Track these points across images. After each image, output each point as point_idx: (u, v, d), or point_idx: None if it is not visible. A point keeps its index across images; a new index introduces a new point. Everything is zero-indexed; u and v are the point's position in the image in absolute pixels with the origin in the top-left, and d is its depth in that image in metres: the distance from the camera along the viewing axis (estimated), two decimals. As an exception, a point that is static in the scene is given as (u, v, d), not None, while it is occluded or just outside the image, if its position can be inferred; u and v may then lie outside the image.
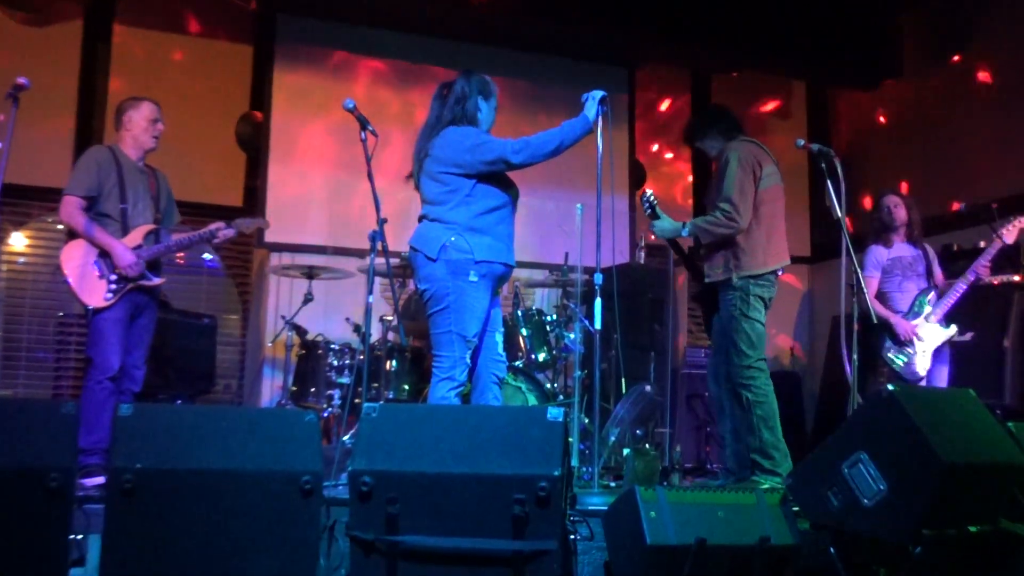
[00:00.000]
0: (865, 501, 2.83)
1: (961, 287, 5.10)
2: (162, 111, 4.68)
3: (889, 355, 5.16)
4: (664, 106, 8.26)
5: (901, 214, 5.35)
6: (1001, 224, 5.05)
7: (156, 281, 4.56)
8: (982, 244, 5.23)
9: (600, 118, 3.92)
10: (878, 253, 5.35)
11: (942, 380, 5.21)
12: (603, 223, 4.01)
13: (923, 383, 5.13)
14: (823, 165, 4.28)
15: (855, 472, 2.87)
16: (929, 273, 5.29)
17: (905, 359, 5.10)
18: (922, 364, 5.09)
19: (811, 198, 8.33)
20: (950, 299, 5.12)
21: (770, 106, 8.46)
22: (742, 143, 4.48)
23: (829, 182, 4.22)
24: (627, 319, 4.87)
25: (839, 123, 8.37)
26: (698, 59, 7.74)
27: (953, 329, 5.16)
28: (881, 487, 2.81)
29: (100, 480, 3.95)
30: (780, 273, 4.45)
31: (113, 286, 4.38)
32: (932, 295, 5.19)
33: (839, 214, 4.17)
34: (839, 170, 4.21)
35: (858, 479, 2.85)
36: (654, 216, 4.56)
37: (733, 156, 4.36)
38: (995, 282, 5.19)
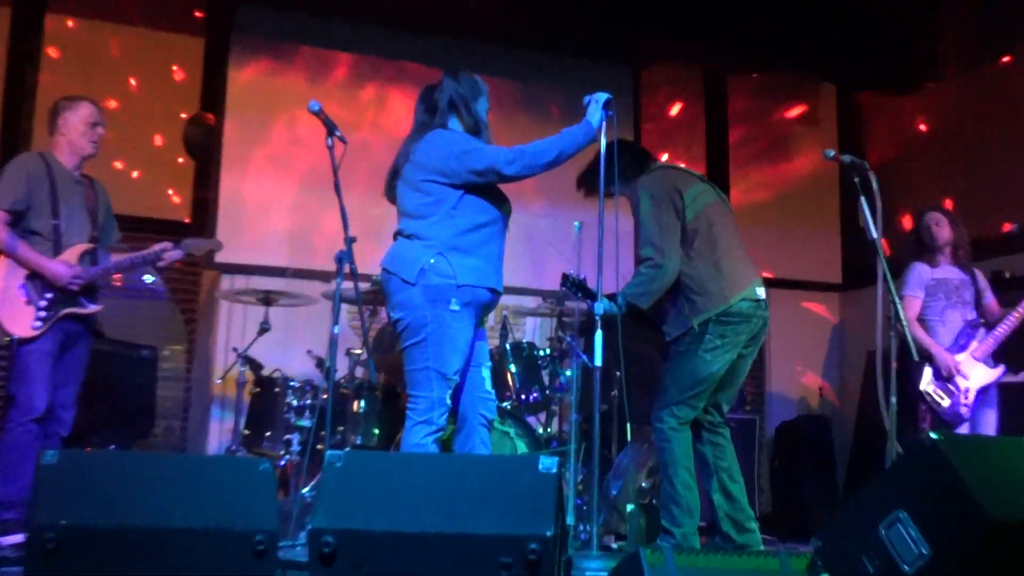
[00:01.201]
0: (905, 567, 2.81)
1: (1012, 320, 5.12)
2: (103, 113, 4.69)
3: (929, 389, 5.16)
4: (674, 110, 8.31)
5: (945, 233, 5.38)
6: None
7: (92, 308, 4.54)
8: None
9: (604, 124, 3.93)
10: (922, 271, 5.37)
11: (990, 426, 5.22)
12: (605, 243, 4.01)
13: (966, 427, 5.14)
14: (856, 179, 4.29)
15: (893, 534, 2.85)
16: (978, 302, 5.31)
17: (947, 397, 5.11)
18: (966, 405, 5.10)
19: (842, 217, 8.38)
20: (1000, 334, 5.14)
21: (795, 111, 8.53)
22: (650, 175, 4.38)
23: (863, 198, 4.23)
24: (632, 354, 4.86)
25: (874, 131, 8.43)
26: (712, 58, 7.80)
27: (1002, 369, 5.17)
28: (923, 551, 2.79)
29: (19, 538, 3.91)
30: (757, 298, 4.25)
31: (43, 313, 4.36)
32: (981, 329, 5.21)
33: (874, 235, 4.17)
34: (874, 185, 4.22)
35: (897, 542, 2.84)
36: (588, 296, 4.22)
37: (643, 194, 4.27)
38: None
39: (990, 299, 5.37)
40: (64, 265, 4.39)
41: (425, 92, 4.05)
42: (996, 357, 5.20)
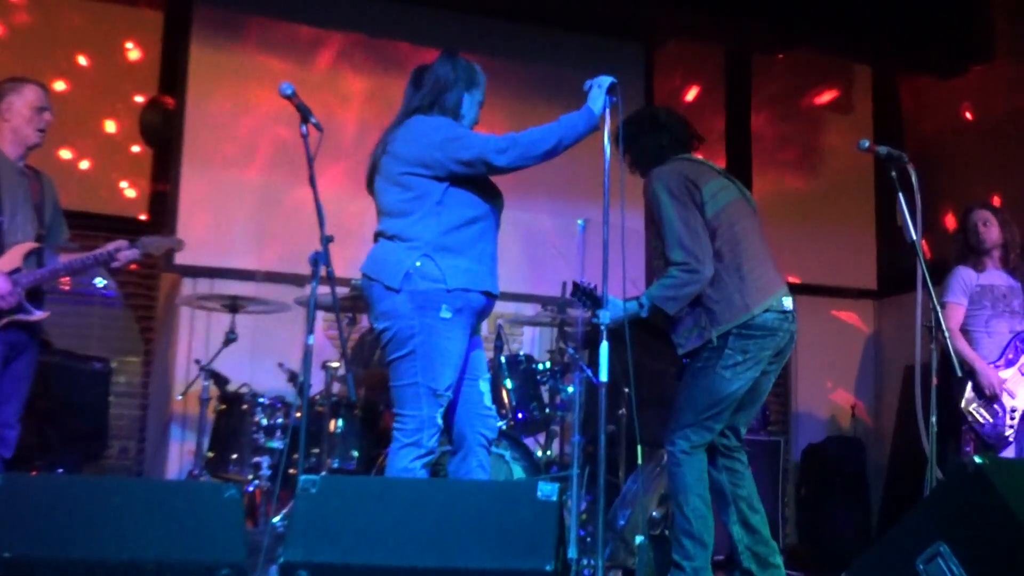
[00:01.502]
0: (946, 606, 2.83)
1: None
2: (50, 96, 4.68)
3: (971, 408, 5.19)
4: (691, 94, 8.34)
5: (993, 234, 5.41)
6: None
7: (38, 315, 4.54)
8: None
9: (608, 111, 3.94)
10: (967, 275, 5.40)
11: None
12: (611, 244, 4.02)
13: (1012, 451, 5.17)
14: (893, 173, 4.31)
15: (933, 569, 2.87)
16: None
17: (990, 417, 5.14)
18: (1011, 427, 5.13)
19: (878, 215, 8.40)
20: None
21: (826, 97, 8.56)
22: (665, 165, 4.36)
23: (901, 195, 4.25)
24: (642, 369, 4.88)
25: (914, 119, 8.46)
26: (734, 36, 7.81)
27: None
28: (966, 588, 2.81)
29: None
30: (783, 309, 4.26)
31: None
32: None
33: (914, 236, 4.19)
34: (914, 180, 4.24)
35: (937, 578, 2.86)
36: (597, 306, 4.18)
37: (659, 187, 4.26)
38: None
39: None
40: (2, 279, 4.37)
41: (416, 74, 4.06)
42: None
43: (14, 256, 4.48)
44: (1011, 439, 5.14)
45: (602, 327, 3.95)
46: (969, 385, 5.20)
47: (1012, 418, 5.13)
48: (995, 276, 5.40)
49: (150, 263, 6.66)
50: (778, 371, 4.37)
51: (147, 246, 4.80)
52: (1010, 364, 5.21)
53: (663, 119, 4.47)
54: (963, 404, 5.19)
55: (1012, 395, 5.15)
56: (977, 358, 5.21)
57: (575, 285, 4.41)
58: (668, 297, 4.18)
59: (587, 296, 4.32)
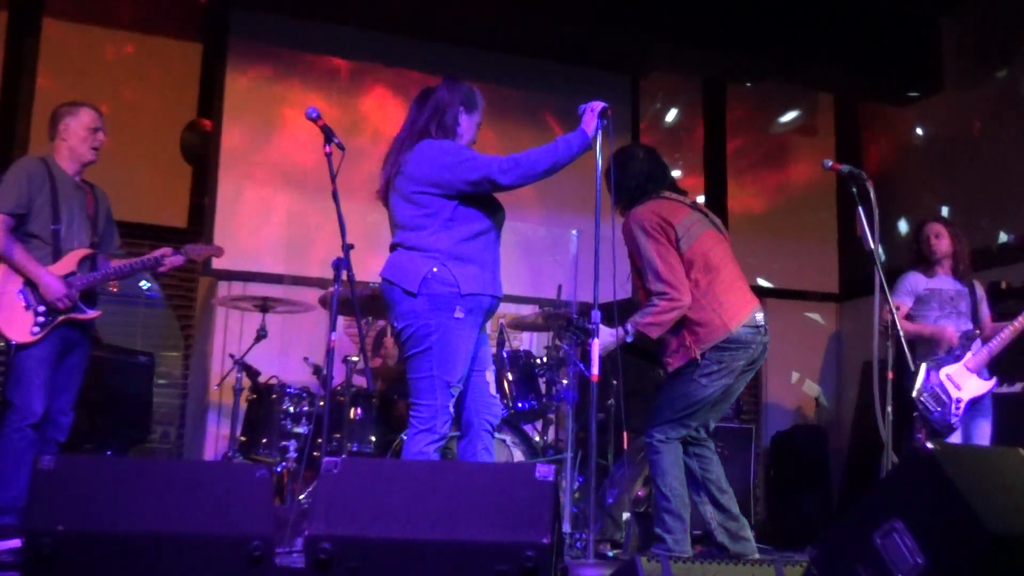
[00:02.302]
0: (900, 577, 2.82)
1: (1008, 333, 5.14)
2: (103, 118, 4.70)
3: (922, 398, 5.18)
4: (672, 119, 8.33)
5: (943, 245, 5.40)
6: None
7: (91, 314, 4.54)
8: None
9: (600, 133, 3.94)
10: (914, 280, 5.40)
11: (984, 436, 5.25)
12: (602, 252, 4.02)
13: (958, 437, 5.17)
14: (854, 189, 4.31)
15: (889, 543, 2.86)
16: (974, 314, 5.33)
17: (938, 406, 5.13)
18: (956, 415, 5.12)
19: (840, 227, 8.40)
20: (994, 346, 5.16)
21: (793, 122, 8.55)
22: (641, 207, 4.31)
23: (861, 208, 4.24)
24: (629, 363, 4.87)
25: (872, 142, 8.46)
26: (710, 67, 7.82)
27: (994, 380, 5.20)
28: (919, 561, 2.80)
29: (15, 544, 3.90)
30: (756, 324, 4.22)
31: (41, 319, 4.36)
32: (976, 340, 5.22)
33: (872, 245, 4.19)
34: (872, 195, 4.23)
35: (892, 551, 2.84)
36: (588, 335, 4.14)
37: (636, 229, 4.23)
38: None
39: (985, 313, 5.39)
40: (58, 282, 4.38)
41: (421, 94, 4.05)
42: (991, 369, 5.22)
43: (70, 261, 4.50)
44: (956, 425, 5.13)
45: (590, 346, 3.94)
46: (920, 376, 5.19)
47: (957, 408, 5.12)
48: (944, 281, 5.39)
49: (189, 268, 6.66)
50: (749, 377, 4.35)
51: (190, 253, 4.83)
52: (956, 359, 5.20)
53: (640, 158, 4.42)
54: (914, 394, 5.18)
55: (958, 387, 5.14)
56: (925, 327, 5.23)
57: (569, 321, 4.42)
58: (650, 323, 4.16)
59: (580, 330, 4.32)
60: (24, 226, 4.44)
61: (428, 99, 3.99)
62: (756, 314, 4.25)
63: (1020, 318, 5.13)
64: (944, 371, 5.19)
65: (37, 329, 4.35)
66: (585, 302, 4.46)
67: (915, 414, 5.15)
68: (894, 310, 4.27)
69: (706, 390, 4.16)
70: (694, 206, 4.44)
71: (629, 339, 4.19)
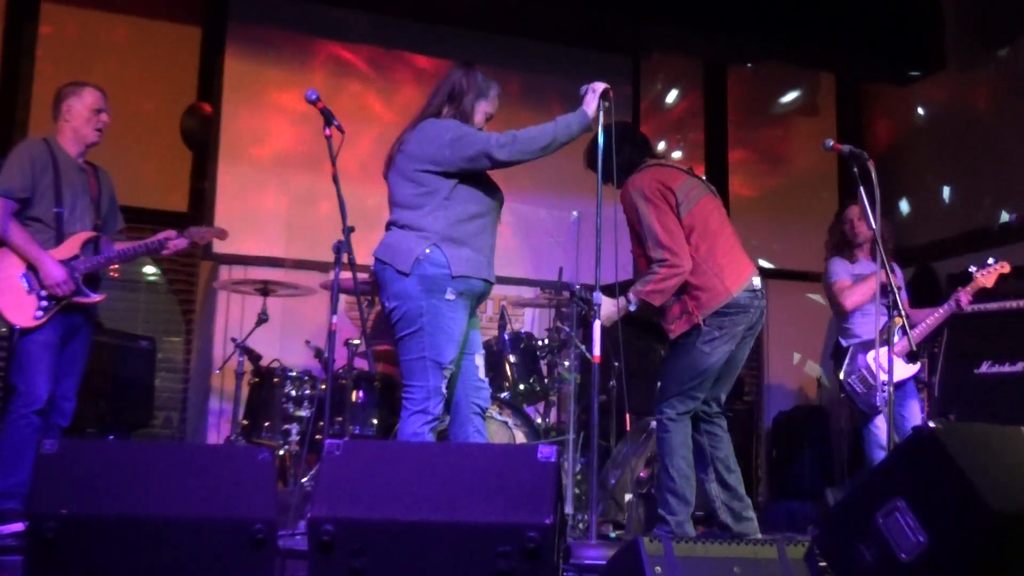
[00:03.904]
0: (903, 556, 2.83)
1: (933, 320, 5.27)
2: (107, 99, 4.64)
3: (849, 379, 5.31)
4: (673, 100, 8.30)
5: (864, 229, 5.43)
6: (980, 268, 5.24)
7: (95, 298, 4.51)
8: None
9: (602, 113, 3.93)
10: (843, 264, 5.48)
11: (915, 416, 5.35)
12: (604, 233, 4.01)
13: (882, 419, 5.25)
14: (855, 169, 4.29)
15: (891, 522, 2.86)
16: (894, 299, 5.44)
17: (865, 388, 5.22)
18: (883, 397, 5.22)
19: (841, 207, 8.36)
20: (921, 332, 5.28)
21: (794, 102, 8.52)
22: (639, 174, 4.33)
23: (862, 189, 4.23)
24: (631, 345, 4.87)
25: (873, 121, 8.43)
26: (711, 48, 7.80)
27: (919, 366, 5.35)
28: (921, 539, 2.81)
29: (19, 527, 3.91)
30: (754, 288, 4.24)
31: (44, 303, 4.33)
32: (901, 325, 5.31)
33: (873, 225, 4.18)
34: (873, 175, 4.22)
35: (894, 530, 2.85)
36: (592, 307, 4.18)
37: (635, 195, 4.24)
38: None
39: (903, 298, 5.45)
40: (59, 267, 4.34)
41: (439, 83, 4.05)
42: (914, 354, 5.32)
43: (73, 244, 4.47)
44: (881, 408, 5.19)
45: (594, 320, 3.95)
46: (847, 358, 5.33)
47: (883, 391, 5.21)
48: (866, 266, 5.45)
49: (191, 252, 6.65)
50: (751, 343, 4.36)
51: (193, 235, 4.78)
52: (883, 343, 5.30)
53: (624, 133, 4.35)
54: (841, 375, 5.28)
55: (884, 370, 5.25)
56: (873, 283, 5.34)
57: (572, 293, 4.42)
58: (651, 291, 4.16)
59: (583, 301, 4.31)
60: (27, 210, 4.39)
61: (443, 83, 3.99)
62: (754, 278, 4.27)
63: (945, 306, 5.25)
64: (871, 353, 5.29)
65: (40, 313, 4.32)
66: (587, 284, 4.44)
67: (842, 395, 5.25)
68: (896, 291, 4.28)
69: (710, 358, 4.17)
70: (691, 173, 4.44)
71: (631, 308, 4.20)
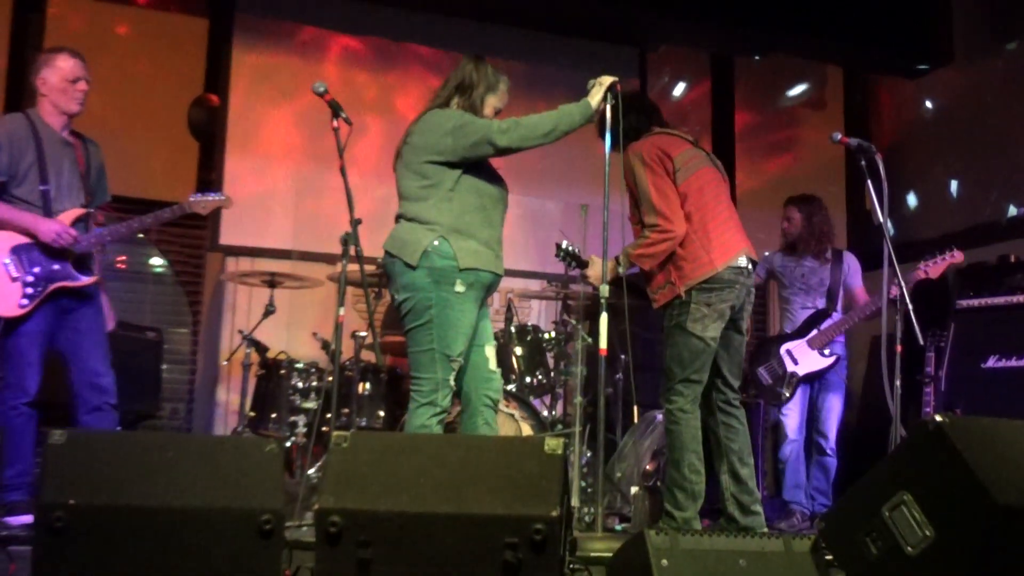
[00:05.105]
0: (909, 549, 2.82)
1: (853, 315, 5.39)
2: (87, 65, 4.41)
3: (757, 371, 5.48)
4: (681, 93, 8.28)
5: (790, 229, 5.66)
6: (931, 257, 5.27)
7: (85, 280, 4.31)
8: None
9: (608, 107, 3.93)
10: (770, 257, 5.71)
11: (834, 412, 5.51)
12: (611, 226, 4.01)
13: (796, 412, 5.42)
14: (863, 163, 4.29)
15: (897, 516, 2.86)
16: (832, 292, 5.50)
17: (771, 378, 5.32)
18: (790, 386, 5.29)
19: (848, 200, 8.35)
20: (835, 326, 5.40)
21: (801, 94, 8.49)
22: (640, 140, 4.32)
23: (870, 182, 4.23)
24: (638, 338, 4.88)
25: (881, 115, 8.41)
26: (719, 41, 7.77)
27: (834, 358, 5.44)
28: (927, 533, 2.80)
29: (27, 519, 3.88)
30: (738, 266, 4.20)
31: (30, 290, 4.15)
32: (828, 320, 5.45)
33: (881, 218, 4.17)
34: (881, 168, 4.21)
35: (901, 524, 2.85)
36: (581, 265, 4.35)
37: (635, 160, 4.22)
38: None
39: (857, 285, 5.65)
40: (52, 221, 4.13)
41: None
42: (827, 347, 5.48)
43: (63, 222, 4.25)
44: (786, 396, 5.35)
45: (603, 299, 3.95)
46: (763, 350, 5.55)
47: (790, 382, 5.33)
48: (803, 259, 5.62)
49: (196, 243, 6.66)
50: (744, 323, 4.32)
51: (194, 205, 4.62)
52: (800, 336, 5.46)
53: (632, 102, 4.32)
54: (753, 368, 5.48)
55: (796, 362, 5.36)
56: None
57: (558, 246, 4.42)
58: (641, 254, 4.16)
59: (570, 256, 4.32)
60: (10, 190, 4.17)
61: (454, 74, 3.99)
62: (741, 257, 4.23)
63: (869, 302, 5.35)
64: (786, 346, 5.43)
65: (26, 301, 4.13)
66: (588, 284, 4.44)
67: (750, 387, 5.36)
68: (903, 285, 4.27)
69: (705, 332, 4.13)
70: (693, 142, 4.42)
71: (621, 270, 4.20)
